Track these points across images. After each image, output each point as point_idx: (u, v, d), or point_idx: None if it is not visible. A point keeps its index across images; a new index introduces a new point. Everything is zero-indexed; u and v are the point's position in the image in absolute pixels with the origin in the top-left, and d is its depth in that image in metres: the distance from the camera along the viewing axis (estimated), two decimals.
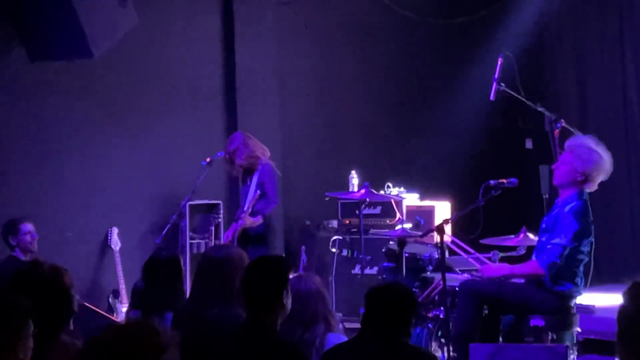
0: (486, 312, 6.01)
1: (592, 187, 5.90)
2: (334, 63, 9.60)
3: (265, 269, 4.09)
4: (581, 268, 5.89)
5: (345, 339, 4.54)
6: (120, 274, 7.88)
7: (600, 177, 5.88)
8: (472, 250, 6.26)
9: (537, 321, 5.97)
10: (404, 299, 3.95)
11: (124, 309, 7.58)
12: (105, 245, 8.10)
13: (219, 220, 8.53)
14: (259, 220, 7.57)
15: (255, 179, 7.69)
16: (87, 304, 6.60)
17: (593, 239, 5.88)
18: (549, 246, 5.83)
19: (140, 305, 5.33)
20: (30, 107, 7.71)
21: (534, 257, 5.94)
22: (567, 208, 5.84)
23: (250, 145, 7.76)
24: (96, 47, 7.05)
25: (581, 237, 5.79)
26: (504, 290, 6.00)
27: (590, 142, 5.96)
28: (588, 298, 7.38)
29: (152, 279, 5.23)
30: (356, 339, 4.01)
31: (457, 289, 6.21)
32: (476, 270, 6.68)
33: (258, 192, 7.53)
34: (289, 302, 4.05)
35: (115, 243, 8.05)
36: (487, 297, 5.98)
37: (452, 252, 6.98)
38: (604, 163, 5.88)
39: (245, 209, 7.57)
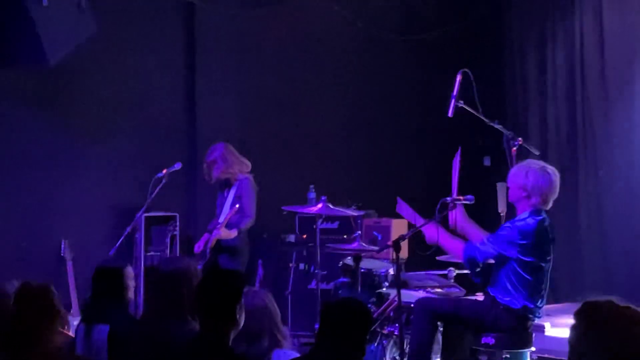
0: (441, 329, 6.01)
1: (542, 205, 5.89)
2: (292, 77, 9.57)
3: (220, 283, 4.05)
4: (533, 288, 5.87)
5: (294, 354, 4.50)
6: (73, 285, 7.77)
7: (545, 194, 5.88)
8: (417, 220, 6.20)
9: (487, 339, 5.95)
10: (358, 316, 3.94)
11: (75, 322, 7.48)
12: (59, 256, 7.99)
13: (175, 232, 8.45)
14: (234, 233, 7.48)
15: (232, 192, 7.61)
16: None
17: (546, 263, 5.87)
18: (481, 244, 5.84)
19: (83, 314, 5.29)
20: None
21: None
22: (518, 223, 5.86)
23: (229, 160, 7.66)
24: (52, 55, 6.95)
25: (521, 251, 5.78)
26: (460, 308, 5.99)
27: (537, 162, 6.01)
28: (543, 318, 7.40)
29: (97, 288, 5.20)
30: (308, 355, 3.98)
31: (412, 305, 6.20)
32: (432, 287, 6.68)
33: (237, 205, 7.44)
34: (242, 317, 4.03)
35: (69, 254, 7.95)
36: (442, 314, 5.97)
37: (408, 269, 6.98)
38: (547, 180, 5.90)
39: (220, 220, 7.49)
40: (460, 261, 5.99)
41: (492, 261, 6.01)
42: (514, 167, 6.02)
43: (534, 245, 5.77)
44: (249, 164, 7.78)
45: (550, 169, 5.97)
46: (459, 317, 5.94)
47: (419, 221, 5.99)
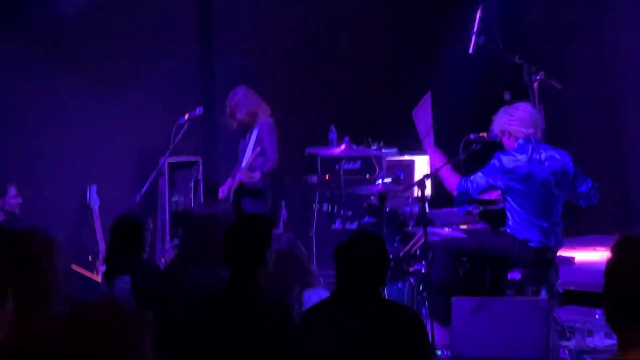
0: (467, 266, 6.06)
1: (528, 135, 5.94)
2: (312, 15, 9.51)
3: (248, 229, 4.06)
4: (546, 221, 5.92)
5: (324, 293, 4.53)
6: (100, 233, 7.85)
7: (523, 123, 5.94)
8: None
9: (514, 274, 6.02)
10: (370, 245, 3.91)
11: (104, 269, 7.57)
12: (85, 203, 8.05)
13: (199, 177, 8.49)
14: (257, 176, 7.54)
15: (254, 135, 7.65)
16: (64, 269, 6.57)
17: (538, 195, 5.93)
18: (473, 178, 5.95)
19: (105, 266, 5.37)
20: (3, 70, 7.61)
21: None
22: (503, 155, 5.94)
23: (250, 103, 7.71)
24: (66, 6, 6.94)
25: (510, 182, 5.85)
26: (485, 245, 6.04)
27: (504, 107, 6.13)
28: (567, 249, 7.43)
29: (116, 240, 5.26)
30: (334, 296, 3.99)
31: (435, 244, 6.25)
32: (458, 224, 6.71)
33: (259, 148, 7.49)
34: (271, 260, 4.04)
35: (95, 201, 8.00)
36: (467, 252, 6.02)
37: (433, 207, 7.00)
38: (515, 111, 5.97)
39: (243, 164, 7.53)
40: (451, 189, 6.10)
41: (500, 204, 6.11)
42: (493, 121, 6.06)
43: (523, 177, 5.83)
44: (268, 107, 7.79)
45: (520, 103, 6.13)
46: (483, 254, 5.99)
47: (429, 137, 6.07)
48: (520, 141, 5.93)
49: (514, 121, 5.97)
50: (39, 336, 1.92)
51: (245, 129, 7.75)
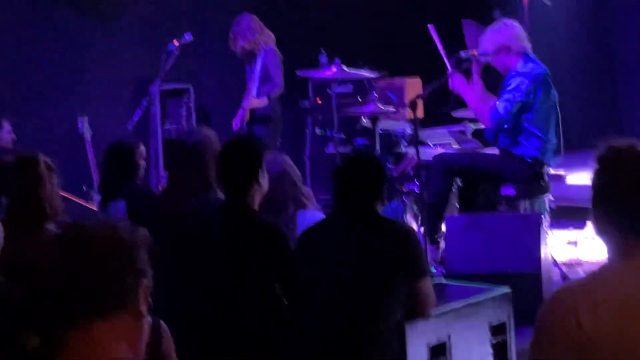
0: (460, 184, 6.10)
1: (524, 49, 5.93)
2: None
3: (240, 151, 4.09)
4: (544, 136, 5.95)
5: (318, 214, 4.59)
6: (93, 162, 7.86)
7: (519, 38, 5.93)
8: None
9: (508, 190, 6.06)
10: (368, 164, 3.99)
11: (98, 197, 7.60)
12: (77, 133, 8.05)
13: (190, 104, 8.49)
14: (264, 101, 7.61)
15: (259, 63, 7.68)
16: (63, 194, 6.60)
17: (550, 107, 5.93)
18: (500, 102, 5.88)
19: (100, 193, 5.40)
20: None
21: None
22: (520, 69, 5.91)
23: (254, 29, 7.72)
24: None
25: (529, 96, 5.85)
26: (478, 162, 6.08)
27: (490, 26, 6.11)
28: (559, 165, 7.49)
29: (109, 166, 5.28)
30: (331, 216, 4.06)
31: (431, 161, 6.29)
32: (450, 143, 6.74)
33: (260, 76, 7.57)
34: (265, 182, 4.08)
35: (87, 131, 8.00)
36: (461, 169, 6.06)
37: (425, 127, 7.02)
38: (511, 28, 6.00)
39: (251, 93, 7.59)
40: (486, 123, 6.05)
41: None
42: (481, 42, 6.02)
43: (534, 93, 5.84)
44: (273, 35, 7.80)
45: (504, 19, 6.15)
46: (477, 171, 6.03)
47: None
48: (521, 61, 5.90)
49: (512, 37, 5.93)
50: (36, 253, 1.95)
51: (251, 56, 7.77)
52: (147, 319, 1.97)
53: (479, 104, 6.01)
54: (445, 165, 6.05)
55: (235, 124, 7.80)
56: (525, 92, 5.83)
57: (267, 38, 7.77)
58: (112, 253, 1.90)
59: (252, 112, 7.68)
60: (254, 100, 7.61)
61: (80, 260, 1.88)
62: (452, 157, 6.21)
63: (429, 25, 6.17)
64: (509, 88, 5.86)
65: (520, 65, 5.91)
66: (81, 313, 1.88)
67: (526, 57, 5.93)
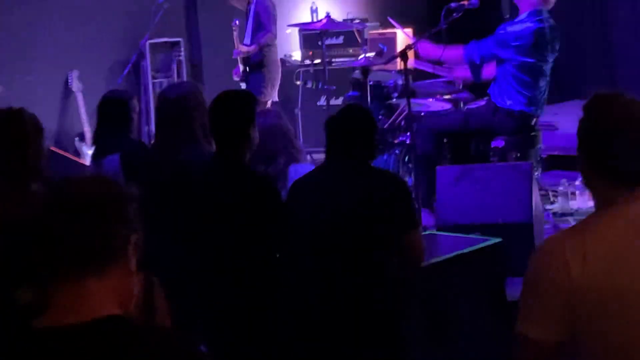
0: (451, 143, 6.15)
1: (543, 5, 5.90)
2: None
3: (231, 104, 4.09)
4: (532, 90, 5.95)
5: (309, 167, 4.60)
6: (84, 116, 7.84)
7: None
8: (437, 69, 6.34)
9: (497, 142, 6.08)
10: (360, 117, 4.00)
11: (90, 152, 7.60)
12: (67, 88, 8.02)
13: (181, 57, 8.45)
14: (254, 48, 7.60)
15: (252, 11, 7.66)
16: (54, 149, 6.60)
17: (544, 64, 5.92)
18: (478, 44, 5.98)
19: (94, 146, 5.38)
20: None
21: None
22: (517, 26, 5.90)
23: None
24: None
25: (516, 52, 5.85)
26: (468, 123, 6.09)
27: None
28: (550, 115, 7.50)
29: (103, 119, 5.26)
30: (323, 165, 4.08)
31: (422, 114, 6.30)
32: (442, 94, 6.74)
33: (252, 24, 7.59)
34: (256, 135, 4.09)
35: (77, 86, 7.97)
36: (451, 132, 6.09)
37: (416, 78, 7.00)
38: None
39: (245, 41, 7.62)
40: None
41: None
42: None
43: (530, 47, 5.83)
44: None
45: None
46: (466, 133, 6.07)
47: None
48: (535, 12, 5.89)
49: None
50: (24, 210, 1.96)
51: (246, 7, 7.75)
52: (138, 275, 1.98)
53: (450, 51, 6.10)
54: (436, 129, 6.09)
55: (235, 73, 7.81)
56: (513, 48, 5.84)
57: None
58: (101, 208, 1.90)
59: (247, 59, 7.68)
60: (243, 48, 7.61)
61: (70, 216, 1.88)
62: (442, 118, 6.22)
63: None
64: (491, 37, 5.91)
65: (521, 18, 5.90)
66: (70, 268, 1.89)
67: (537, 13, 5.89)
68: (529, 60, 5.87)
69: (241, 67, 7.69)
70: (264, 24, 7.65)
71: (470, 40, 6.07)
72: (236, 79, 7.80)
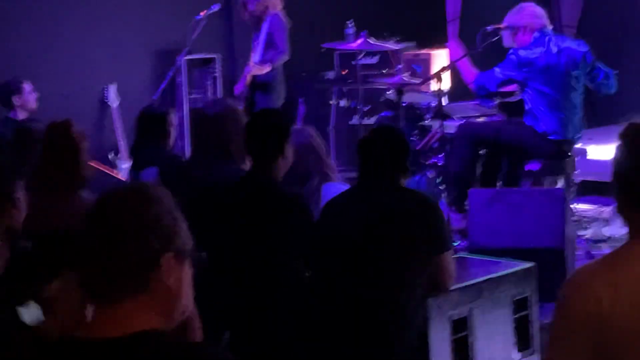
0: (483, 153, 6.12)
1: (542, 27, 5.95)
2: None
3: (267, 122, 4.12)
4: (564, 112, 5.95)
5: (343, 186, 4.60)
6: (119, 130, 7.91)
7: (531, 19, 5.95)
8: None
9: (532, 165, 6.06)
10: (392, 137, 4.01)
11: (125, 166, 7.65)
12: (103, 102, 8.09)
13: (216, 74, 8.49)
14: (267, 67, 7.55)
15: (264, 29, 7.62)
16: (90, 162, 6.64)
17: (556, 91, 5.94)
18: (491, 72, 6.04)
19: (131, 159, 5.42)
20: None
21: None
22: (519, 50, 5.96)
23: None
24: None
25: (528, 77, 5.89)
26: (502, 135, 6.07)
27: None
28: (584, 140, 7.45)
29: (141, 133, 5.31)
30: (356, 187, 4.08)
31: (460, 123, 6.33)
32: (475, 116, 6.74)
33: (264, 41, 7.51)
34: (290, 154, 4.10)
35: (113, 100, 8.04)
36: (485, 140, 6.07)
37: (450, 100, 7.00)
38: (525, 8, 6.02)
39: (254, 59, 7.54)
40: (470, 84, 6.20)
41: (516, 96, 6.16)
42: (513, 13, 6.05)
43: (538, 72, 5.85)
44: (280, 1, 7.75)
45: (522, 4, 6.17)
46: (501, 142, 6.05)
47: (454, 24, 6.18)
48: (536, 34, 5.93)
49: (525, 16, 5.98)
50: (68, 217, 1.96)
51: (258, 22, 7.72)
52: (187, 289, 1.96)
53: (467, 66, 6.19)
54: (471, 135, 6.08)
55: (237, 89, 7.74)
56: (523, 68, 5.88)
57: (275, 3, 7.71)
58: (145, 228, 1.90)
59: (254, 78, 7.60)
60: (256, 67, 7.54)
61: (110, 237, 1.88)
62: (478, 126, 6.24)
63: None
64: (501, 62, 5.96)
65: (533, 42, 5.95)
66: (109, 288, 1.88)
67: (541, 35, 5.95)
68: (541, 86, 5.90)
69: (247, 82, 7.61)
70: (277, 44, 7.56)
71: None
72: (236, 94, 7.73)
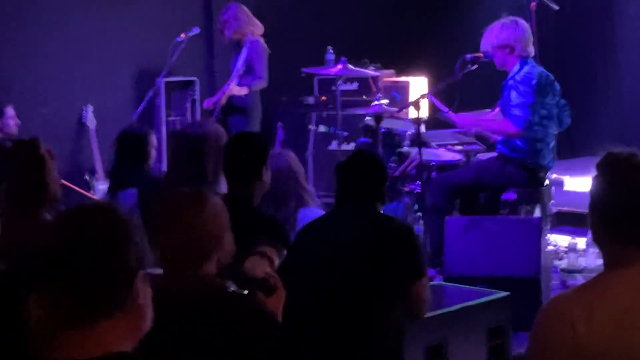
0: (462, 196, 6.13)
1: (524, 52, 5.93)
2: None
3: (246, 145, 4.13)
4: (542, 143, 5.95)
5: (319, 212, 4.60)
6: (96, 151, 7.87)
7: (524, 41, 5.93)
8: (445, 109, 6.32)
9: (509, 195, 6.07)
10: (370, 163, 4.01)
11: (101, 187, 7.61)
12: (81, 123, 8.06)
13: (195, 97, 8.49)
14: (244, 90, 7.55)
15: (243, 54, 7.62)
16: (65, 182, 6.61)
17: (547, 110, 5.93)
18: (515, 107, 5.87)
19: (110, 180, 5.39)
20: None
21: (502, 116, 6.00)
22: (517, 76, 5.90)
23: (241, 20, 7.67)
24: None
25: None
26: (482, 179, 6.05)
27: (503, 19, 6.04)
28: (561, 171, 7.49)
29: (121, 153, 5.29)
30: (332, 211, 4.07)
31: (432, 163, 6.30)
32: (453, 144, 6.74)
33: (243, 67, 7.50)
34: (268, 178, 4.10)
35: (91, 121, 8.01)
36: (460, 190, 6.06)
37: (428, 127, 7.01)
38: (521, 28, 5.96)
39: (231, 80, 7.54)
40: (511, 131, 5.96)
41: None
42: (487, 34, 6.01)
43: (535, 93, 5.85)
44: (261, 26, 7.76)
45: (516, 18, 6.05)
46: (476, 187, 6.06)
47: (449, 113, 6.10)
48: (522, 61, 5.91)
49: (522, 39, 5.92)
50: (34, 236, 1.93)
51: (238, 45, 7.73)
52: (149, 310, 1.95)
53: (487, 121, 6.10)
54: (449, 186, 6.05)
55: (207, 103, 7.71)
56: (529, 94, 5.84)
57: (254, 28, 7.70)
58: (109, 243, 1.87)
59: (229, 100, 7.58)
60: (235, 87, 7.53)
61: (75, 255, 1.85)
62: (451, 178, 6.18)
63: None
64: (516, 101, 5.85)
65: (516, 70, 5.91)
66: (76, 311, 1.84)
67: (524, 62, 5.92)
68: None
69: (221, 102, 7.55)
70: (256, 69, 7.57)
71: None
72: (205, 107, 7.71)
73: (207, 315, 2.79)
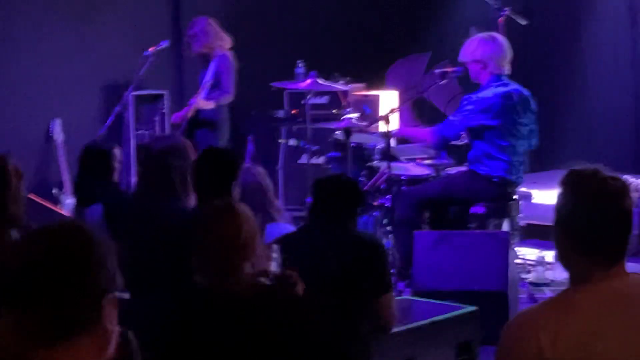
0: (432, 210, 6.16)
1: (499, 70, 5.98)
2: None
3: (216, 160, 4.12)
4: (508, 155, 5.99)
5: (287, 228, 4.59)
6: (64, 165, 7.81)
7: (498, 58, 5.98)
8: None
9: (477, 208, 6.10)
10: (348, 189, 4.02)
11: (68, 201, 7.56)
12: (49, 137, 8.01)
13: (164, 110, 8.46)
14: (211, 104, 7.52)
15: (211, 68, 7.59)
16: (33, 197, 6.56)
17: (515, 130, 5.98)
18: (447, 124, 6.05)
19: (75, 195, 5.36)
20: None
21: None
22: (475, 96, 5.97)
23: (209, 35, 7.64)
24: None
25: (485, 119, 5.92)
26: (451, 193, 6.08)
27: (483, 33, 6.14)
28: (529, 184, 7.54)
29: (85, 169, 5.26)
30: (304, 227, 4.08)
31: (402, 177, 6.32)
32: (422, 158, 6.77)
33: (211, 81, 7.48)
34: (236, 193, 4.09)
35: (59, 134, 7.96)
36: (429, 203, 6.09)
37: (397, 142, 7.03)
38: (496, 44, 6.01)
39: (198, 93, 7.51)
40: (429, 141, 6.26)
41: (463, 140, 6.19)
42: (466, 47, 6.07)
43: (499, 110, 5.89)
44: (229, 40, 7.74)
45: (496, 34, 6.12)
46: (445, 200, 6.10)
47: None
48: (494, 78, 5.95)
49: (496, 57, 5.96)
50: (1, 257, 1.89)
51: (206, 59, 7.71)
52: (115, 334, 1.92)
53: (418, 130, 6.28)
54: (418, 200, 6.07)
55: (175, 118, 7.69)
56: (480, 114, 5.89)
57: (223, 42, 7.68)
58: (77, 264, 1.85)
59: (197, 113, 7.56)
60: (202, 101, 7.50)
61: (43, 276, 1.83)
62: (424, 190, 6.21)
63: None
64: (466, 109, 5.94)
65: (483, 86, 5.96)
66: (43, 334, 1.81)
67: (497, 78, 5.96)
68: (501, 123, 5.91)
69: (188, 115, 7.50)
70: (223, 84, 7.55)
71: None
72: (173, 121, 7.68)
73: (264, 307, 3.05)
